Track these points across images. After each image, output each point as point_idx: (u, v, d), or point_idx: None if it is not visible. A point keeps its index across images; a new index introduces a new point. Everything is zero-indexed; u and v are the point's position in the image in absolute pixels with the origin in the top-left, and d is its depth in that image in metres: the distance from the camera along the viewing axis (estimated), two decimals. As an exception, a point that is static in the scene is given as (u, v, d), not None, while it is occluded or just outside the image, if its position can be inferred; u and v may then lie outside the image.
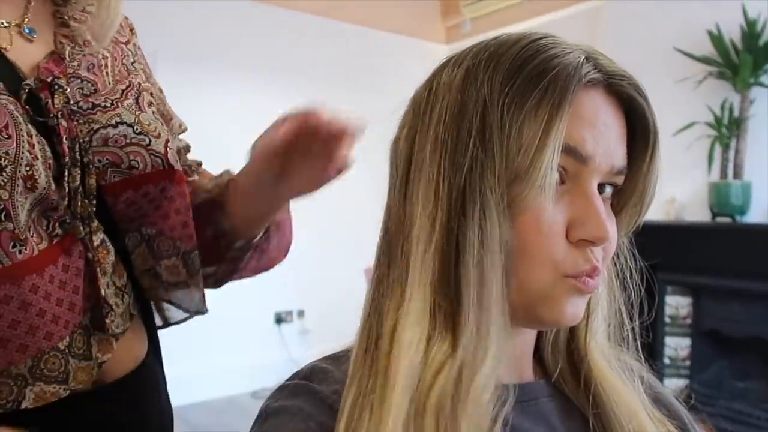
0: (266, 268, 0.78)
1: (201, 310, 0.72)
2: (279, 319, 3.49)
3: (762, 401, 2.42)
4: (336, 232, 3.41)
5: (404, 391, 0.39)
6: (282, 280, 3.53)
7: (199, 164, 0.78)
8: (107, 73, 0.63)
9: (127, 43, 0.70)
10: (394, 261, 0.44)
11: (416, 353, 0.40)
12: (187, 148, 0.77)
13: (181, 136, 0.76)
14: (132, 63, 0.69)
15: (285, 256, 0.79)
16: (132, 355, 0.65)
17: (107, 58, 0.64)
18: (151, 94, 0.66)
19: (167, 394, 0.72)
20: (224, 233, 0.69)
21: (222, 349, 3.16)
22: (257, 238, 0.71)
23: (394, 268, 0.44)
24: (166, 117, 0.72)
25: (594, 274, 0.43)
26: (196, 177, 0.76)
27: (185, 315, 0.73)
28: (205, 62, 3.13)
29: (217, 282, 0.75)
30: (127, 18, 0.73)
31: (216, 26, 3.17)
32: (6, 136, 0.50)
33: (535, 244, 0.41)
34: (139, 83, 0.66)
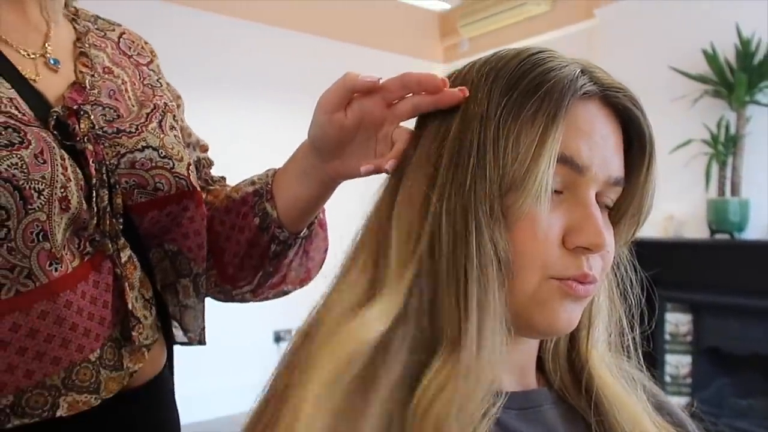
0: (306, 279, 0.77)
1: (202, 340, 0.74)
2: (278, 338, 3.47)
3: (765, 419, 2.40)
4: (335, 248, 3.40)
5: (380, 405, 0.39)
6: (281, 299, 3.52)
7: (223, 178, 0.80)
8: (129, 97, 0.66)
9: (149, 63, 0.73)
10: (377, 285, 0.44)
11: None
12: (209, 161, 0.79)
13: (202, 153, 0.78)
14: (157, 80, 0.72)
15: (322, 264, 0.78)
16: (157, 364, 0.68)
17: (126, 83, 0.67)
18: (174, 116, 0.69)
19: (176, 406, 0.74)
20: (270, 223, 0.68)
21: (221, 368, 3.13)
22: (302, 232, 0.70)
23: (379, 292, 0.43)
24: (185, 132, 0.74)
25: (585, 281, 0.43)
26: (217, 186, 0.77)
27: (186, 340, 0.74)
28: (204, 81, 3.16)
29: (254, 291, 0.74)
30: (147, 42, 0.76)
31: (213, 45, 3.21)
32: (42, 161, 0.53)
33: (529, 251, 0.42)
34: (165, 104, 0.68)
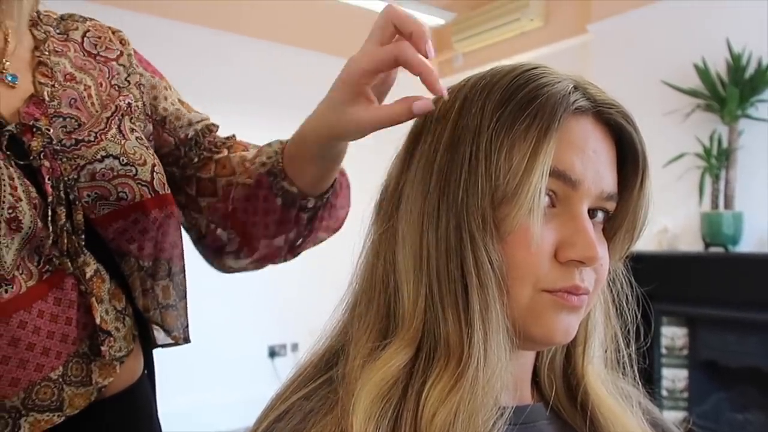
0: (337, 227, 0.75)
1: (186, 338, 0.72)
2: (272, 353, 3.45)
3: (762, 433, 2.39)
4: (329, 263, 3.40)
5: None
6: (275, 313, 3.50)
7: (229, 138, 0.77)
8: (92, 103, 0.64)
9: (118, 57, 0.70)
10: (381, 299, 0.45)
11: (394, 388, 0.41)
12: (209, 128, 0.76)
13: (202, 122, 0.76)
14: (125, 78, 0.69)
15: (348, 209, 0.75)
16: (130, 375, 0.66)
17: (90, 87, 0.64)
18: (130, 119, 0.66)
19: (158, 419, 0.73)
20: (294, 199, 0.67)
21: (215, 383, 3.11)
22: (327, 192, 0.68)
23: (381, 308, 0.45)
24: (182, 110, 0.73)
25: (577, 292, 0.43)
26: (225, 152, 0.74)
27: (169, 341, 0.72)
28: (197, 96, 3.17)
29: (292, 249, 0.73)
30: (116, 31, 0.72)
31: (205, 60, 3.22)
32: None
33: (522, 263, 0.42)
34: (129, 104, 0.66)
